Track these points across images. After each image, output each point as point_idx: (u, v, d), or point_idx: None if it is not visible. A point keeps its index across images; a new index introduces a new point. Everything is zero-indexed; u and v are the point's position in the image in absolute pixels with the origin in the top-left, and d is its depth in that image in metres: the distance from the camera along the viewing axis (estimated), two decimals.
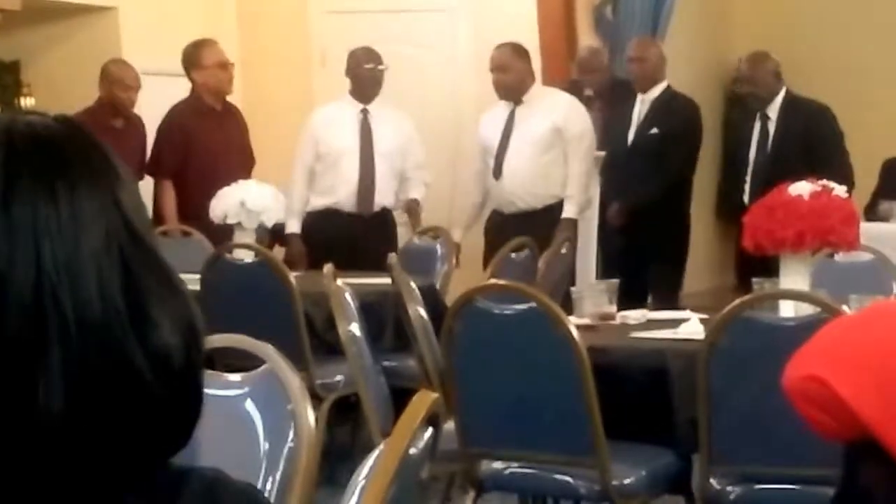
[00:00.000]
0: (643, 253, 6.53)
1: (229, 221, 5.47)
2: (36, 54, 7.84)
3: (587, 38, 7.44)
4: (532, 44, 7.47)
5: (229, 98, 6.88)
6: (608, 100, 6.70)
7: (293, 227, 6.56)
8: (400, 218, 6.80)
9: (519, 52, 6.56)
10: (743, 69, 6.59)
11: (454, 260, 6.40)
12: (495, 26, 7.64)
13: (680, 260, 6.74)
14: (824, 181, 3.70)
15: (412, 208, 6.65)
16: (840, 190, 3.70)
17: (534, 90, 6.55)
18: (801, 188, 3.65)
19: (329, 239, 6.32)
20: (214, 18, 8.06)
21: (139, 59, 6.86)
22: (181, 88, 6.79)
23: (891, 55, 8.77)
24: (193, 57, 6.67)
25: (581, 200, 6.44)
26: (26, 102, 7.78)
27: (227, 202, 5.49)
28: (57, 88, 7.51)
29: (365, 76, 6.63)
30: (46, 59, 7.81)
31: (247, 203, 5.43)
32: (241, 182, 5.62)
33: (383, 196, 6.58)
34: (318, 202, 6.59)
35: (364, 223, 6.48)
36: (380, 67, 6.66)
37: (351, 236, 6.32)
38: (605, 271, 6.57)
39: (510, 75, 6.48)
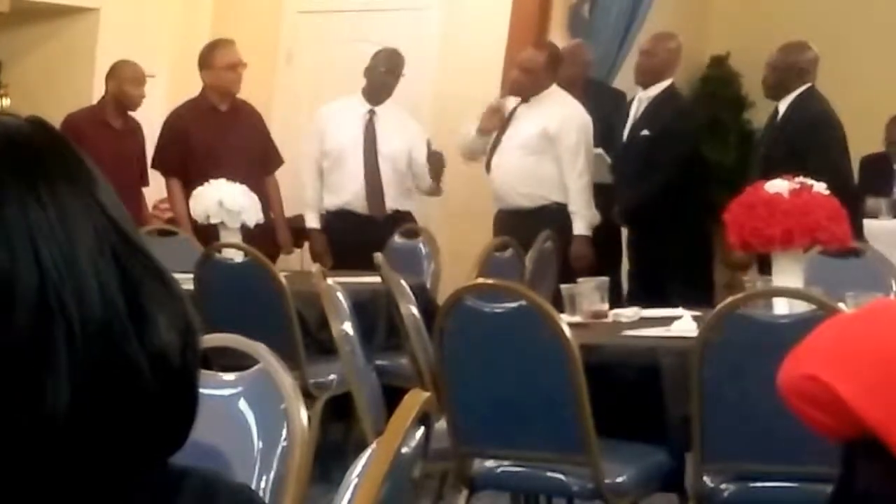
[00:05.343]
0: (665, 256, 6.41)
1: (212, 221, 5.47)
2: (16, 55, 7.81)
3: (558, 38, 7.38)
4: (501, 43, 7.43)
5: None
6: (578, 98, 6.62)
7: (312, 221, 6.63)
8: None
9: (553, 63, 6.46)
10: (773, 54, 6.40)
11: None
12: (468, 25, 7.61)
13: (706, 260, 6.63)
14: (801, 178, 3.69)
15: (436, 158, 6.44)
16: (820, 187, 3.69)
17: (545, 91, 6.46)
18: (779, 185, 3.64)
19: (347, 241, 6.34)
20: (192, 21, 8.02)
21: (116, 60, 6.80)
22: (159, 90, 6.79)
23: (870, 52, 8.77)
24: (207, 58, 6.66)
25: (587, 215, 6.35)
26: (2, 103, 7.76)
27: (205, 202, 5.48)
28: (33, 89, 7.47)
29: (374, 79, 6.65)
30: (26, 60, 7.79)
31: (224, 203, 5.42)
32: (213, 181, 5.57)
33: (393, 199, 6.59)
34: (332, 201, 6.62)
35: (378, 226, 6.43)
36: (396, 73, 6.64)
37: (366, 239, 6.08)
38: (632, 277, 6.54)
39: (531, 79, 6.41)
